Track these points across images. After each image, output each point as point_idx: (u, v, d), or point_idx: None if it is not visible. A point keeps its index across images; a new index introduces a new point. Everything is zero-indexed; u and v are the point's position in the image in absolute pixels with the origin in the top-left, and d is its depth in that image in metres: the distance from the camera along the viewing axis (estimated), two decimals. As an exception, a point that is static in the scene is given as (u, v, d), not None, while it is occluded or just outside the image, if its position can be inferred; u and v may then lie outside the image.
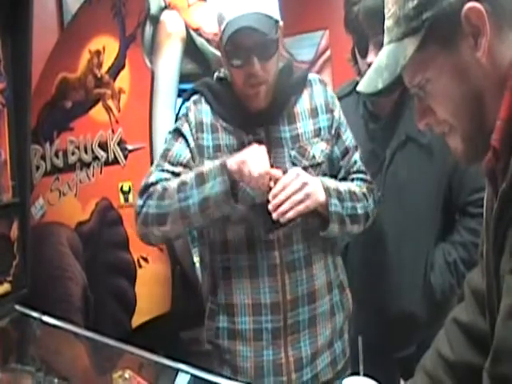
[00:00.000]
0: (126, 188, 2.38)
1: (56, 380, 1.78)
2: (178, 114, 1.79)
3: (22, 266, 2.11)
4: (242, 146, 1.64)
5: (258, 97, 1.65)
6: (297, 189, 1.56)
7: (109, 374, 1.72)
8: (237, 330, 1.71)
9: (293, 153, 1.69)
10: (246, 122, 1.69)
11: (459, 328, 1.27)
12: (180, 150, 1.69)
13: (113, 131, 2.43)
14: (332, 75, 4.24)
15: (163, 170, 1.67)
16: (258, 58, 1.57)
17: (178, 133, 1.72)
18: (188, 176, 1.61)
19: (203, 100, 1.74)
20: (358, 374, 1.70)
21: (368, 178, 1.82)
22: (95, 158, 2.44)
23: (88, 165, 2.45)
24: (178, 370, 1.70)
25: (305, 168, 1.67)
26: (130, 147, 2.40)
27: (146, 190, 1.66)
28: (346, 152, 1.80)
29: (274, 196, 1.54)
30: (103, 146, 2.44)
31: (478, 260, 1.81)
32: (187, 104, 1.76)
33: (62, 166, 2.49)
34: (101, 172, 2.43)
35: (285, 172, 1.59)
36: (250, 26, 1.51)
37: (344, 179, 1.80)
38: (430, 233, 1.92)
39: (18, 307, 2.05)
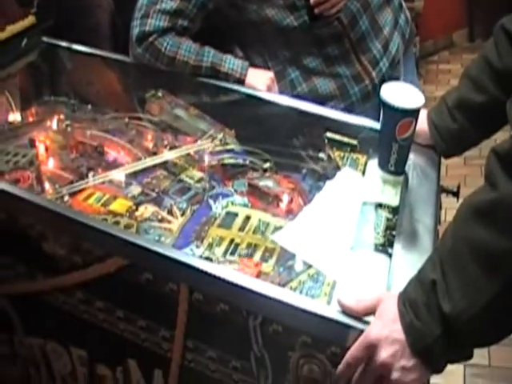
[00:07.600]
0: None
1: (89, 106, 1.73)
2: None
3: (46, -4, 1.97)
4: None
5: None
6: None
7: (142, 94, 1.66)
8: None
9: None
10: None
11: (508, 37, 1.22)
12: None
13: None
14: None
15: (159, 12, 1.59)
16: None
17: None
18: (202, 63, 1.61)
19: None
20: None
21: None
22: None
23: None
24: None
25: None
26: None
27: (144, 40, 1.61)
28: None
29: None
30: None
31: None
32: None
33: None
34: None
35: None
36: None
37: None
38: None
39: (45, 39, 1.95)
